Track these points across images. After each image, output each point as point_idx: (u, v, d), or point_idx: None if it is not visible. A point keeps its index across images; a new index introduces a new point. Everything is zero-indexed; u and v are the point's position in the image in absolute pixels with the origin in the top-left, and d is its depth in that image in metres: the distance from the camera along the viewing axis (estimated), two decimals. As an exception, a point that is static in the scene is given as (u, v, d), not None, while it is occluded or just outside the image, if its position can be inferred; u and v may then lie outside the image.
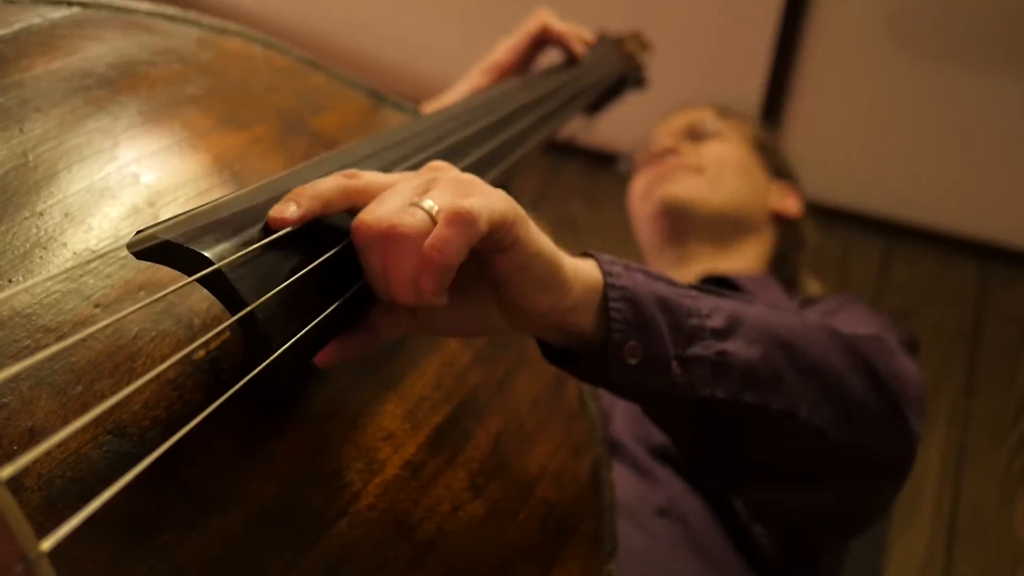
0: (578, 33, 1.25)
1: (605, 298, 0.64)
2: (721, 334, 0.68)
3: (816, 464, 0.78)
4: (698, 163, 1.39)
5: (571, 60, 1.22)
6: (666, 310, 0.66)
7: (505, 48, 1.24)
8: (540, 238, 0.59)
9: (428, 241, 0.52)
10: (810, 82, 2.16)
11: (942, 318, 2.14)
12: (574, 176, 2.41)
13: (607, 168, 2.40)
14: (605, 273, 0.64)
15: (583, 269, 0.63)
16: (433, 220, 0.54)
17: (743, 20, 2.18)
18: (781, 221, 1.45)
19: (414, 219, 0.54)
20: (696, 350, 0.67)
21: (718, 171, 1.39)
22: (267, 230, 0.55)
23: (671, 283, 0.69)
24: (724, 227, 1.38)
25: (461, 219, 0.52)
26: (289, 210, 0.55)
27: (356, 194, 0.57)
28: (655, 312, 0.65)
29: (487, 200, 0.55)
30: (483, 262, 0.59)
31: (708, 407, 0.69)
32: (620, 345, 0.64)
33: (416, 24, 2.43)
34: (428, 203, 0.55)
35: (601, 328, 0.64)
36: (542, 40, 1.24)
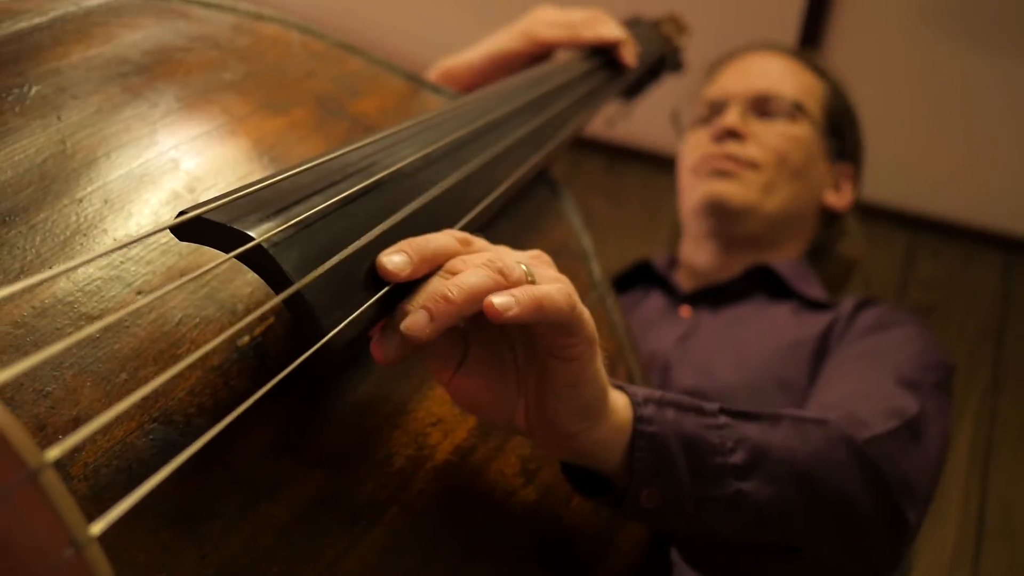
0: (629, 40, 1.16)
1: (631, 444, 0.64)
2: (741, 471, 0.68)
3: None
4: (756, 158, 1.27)
5: (621, 67, 1.15)
6: (690, 451, 0.66)
7: (546, 21, 1.14)
8: (600, 369, 0.60)
9: (516, 289, 0.54)
10: (835, 69, 2.13)
11: (967, 313, 2.08)
12: (596, 171, 2.37)
13: (629, 163, 2.37)
14: (636, 418, 0.64)
15: (618, 406, 0.63)
16: (527, 279, 0.56)
17: (768, 11, 2.15)
18: (828, 214, 1.37)
19: (516, 267, 0.56)
20: (713, 490, 0.67)
21: (776, 171, 1.28)
22: (311, 206, 0.53)
23: (700, 412, 0.68)
24: (772, 229, 1.30)
25: (566, 290, 0.56)
26: (397, 264, 0.55)
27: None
28: (678, 455, 0.65)
29: (575, 301, 0.56)
30: (542, 363, 0.59)
31: (715, 539, 0.70)
32: (639, 491, 0.64)
33: (430, 19, 2.41)
34: (525, 268, 0.57)
35: (623, 466, 0.64)
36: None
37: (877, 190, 2.21)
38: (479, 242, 0.59)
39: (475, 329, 0.59)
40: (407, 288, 0.55)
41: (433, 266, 0.56)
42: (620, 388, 0.65)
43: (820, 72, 1.40)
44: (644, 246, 2.07)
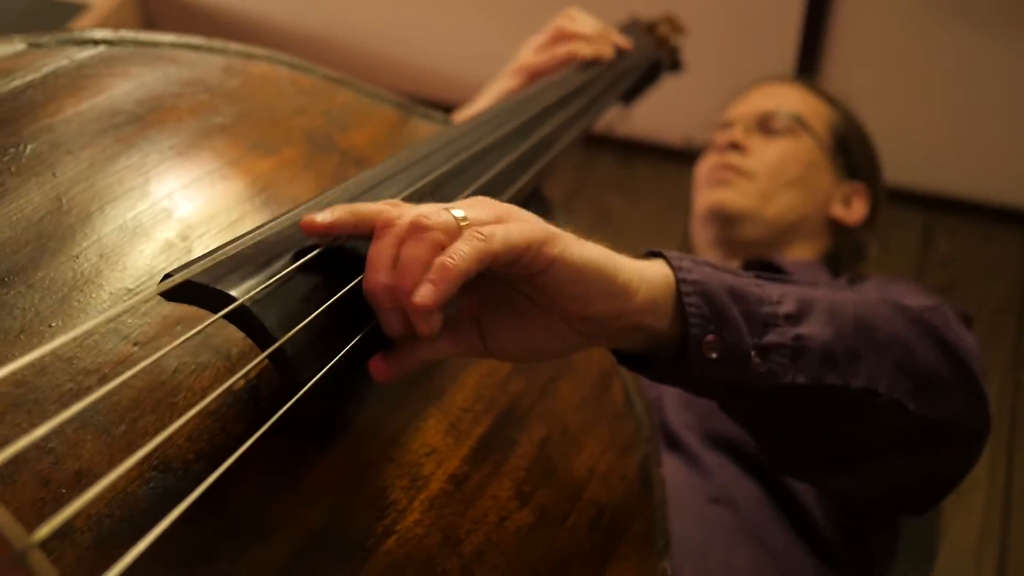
0: (600, 34, 1.20)
1: (678, 294, 0.64)
2: (794, 319, 0.68)
3: (896, 440, 0.78)
4: (752, 169, 1.35)
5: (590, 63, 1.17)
6: (739, 300, 0.66)
7: (531, 49, 1.21)
8: (585, 250, 0.59)
9: (444, 253, 0.53)
10: (842, 52, 2.11)
11: (987, 291, 2.09)
12: (609, 167, 2.39)
13: (643, 158, 2.39)
14: (675, 268, 0.64)
15: (649, 269, 0.63)
16: (459, 227, 0.55)
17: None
18: (838, 226, 1.41)
19: (440, 217, 0.55)
20: (773, 337, 0.66)
21: (772, 181, 1.35)
22: (294, 259, 0.56)
23: (736, 274, 0.69)
24: (773, 235, 1.36)
25: (476, 237, 0.54)
26: (320, 216, 0.56)
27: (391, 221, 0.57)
28: (729, 303, 0.65)
29: (508, 227, 0.55)
30: (534, 290, 0.59)
31: (790, 395, 0.69)
32: (699, 340, 0.63)
33: (450, 27, 2.42)
34: (459, 212, 0.56)
35: (677, 325, 0.64)
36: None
37: (892, 171, 2.20)
38: (407, 206, 0.59)
39: (467, 292, 0.60)
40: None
41: (360, 221, 0.57)
42: (650, 254, 0.66)
43: (828, 99, 1.48)
44: (660, 240, 2.08)
